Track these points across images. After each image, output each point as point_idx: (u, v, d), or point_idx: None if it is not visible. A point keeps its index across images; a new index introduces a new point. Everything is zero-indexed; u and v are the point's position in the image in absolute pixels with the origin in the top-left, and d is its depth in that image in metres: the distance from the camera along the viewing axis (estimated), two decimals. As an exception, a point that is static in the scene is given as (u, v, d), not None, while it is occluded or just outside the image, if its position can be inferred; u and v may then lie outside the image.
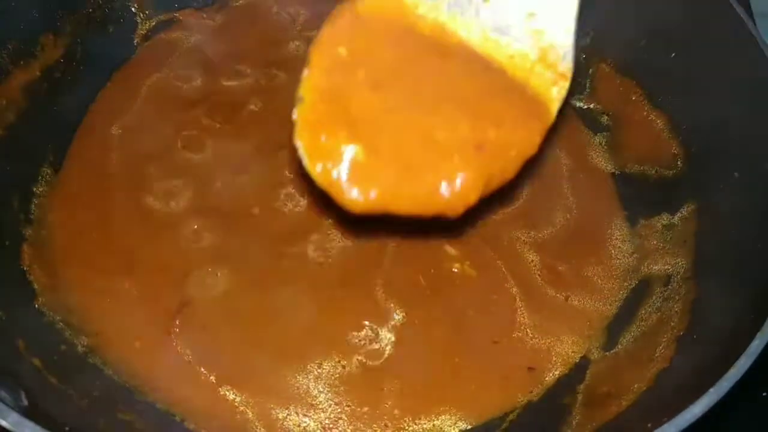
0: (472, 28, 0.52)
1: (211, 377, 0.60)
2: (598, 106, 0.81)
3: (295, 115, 0.48)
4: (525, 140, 0.49)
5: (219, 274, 0.65)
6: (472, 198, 0.48)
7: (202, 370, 0.60)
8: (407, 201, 0.47)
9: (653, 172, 0.74)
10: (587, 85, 0.81)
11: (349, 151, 0.46)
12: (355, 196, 0.46)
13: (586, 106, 0.81)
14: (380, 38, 0.50)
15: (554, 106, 0.51)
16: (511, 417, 0.61)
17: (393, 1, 0.51)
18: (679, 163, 0.72)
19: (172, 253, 0.66)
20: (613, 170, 0.77)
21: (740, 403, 0.49)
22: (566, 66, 0.51)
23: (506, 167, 0.49)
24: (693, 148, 0.71)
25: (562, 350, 0.65)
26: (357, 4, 0.51)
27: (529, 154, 0.49)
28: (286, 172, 0.71)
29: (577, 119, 0.81)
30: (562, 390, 0.63)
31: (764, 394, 0.71)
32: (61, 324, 0.61)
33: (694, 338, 0.58)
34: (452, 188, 0.47)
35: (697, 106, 0.70)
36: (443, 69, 0.50)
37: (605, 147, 0.79)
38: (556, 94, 0.51)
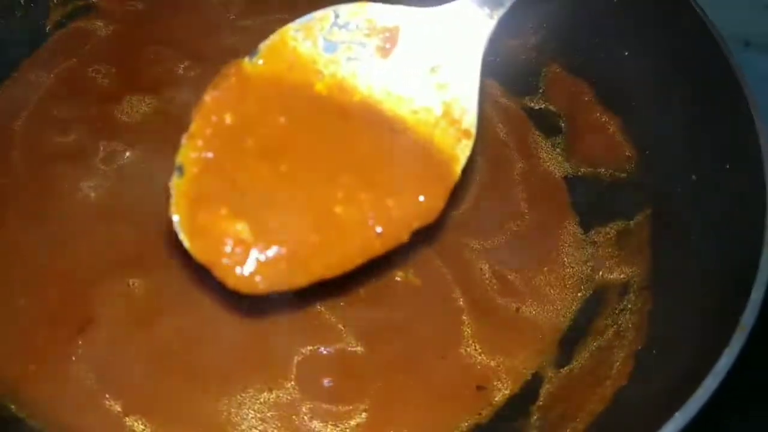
0: (373, 84, 0.50)
1: (117, 405, 0.54)
2: (550, 108, 0.77)
3: (172, 187, 0.44)
4: (426, 206, 0.47)
5: (130, 286, 0.58)
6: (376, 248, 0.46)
7: (107, 396, 0.54)
8: (300, 279, 0.45)
9: (607, 176, 0.71)
10: (539, 85, 0.78)
11: (233, 230, 0.43)
12: (238, 279, 0.43)
13: (538, 107, 0.77)
14: (272, 101, 0.47)
15: (458, 166, 0.49)
16: (458, 442, 0.56)
17: (287, 57, 0.48)
18: (633, 166, 0.68)
19: (77, 262, 0.59)
20: (565, 174, 0.73)
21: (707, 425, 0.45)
22: (470, 122, 0.50)
23: (404, 232, 0.47)
24: (648, 151, 0.68)
25: (513, 366, 0.60)
26: (245, 65, 0.48)
27: (431, 218, 0.48)
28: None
29: (528, 121, 0.77)
30: (513, 411, 0.58)
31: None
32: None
33: (653, 353, 0.55)
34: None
35: (652, 107, 0.67)
36: (342, 132, 0.48)
37: (558, 150, 0.75)
38: (459, 152, 0.49)
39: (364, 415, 0.56)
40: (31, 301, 0.57)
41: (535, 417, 0.56)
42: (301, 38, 0.49)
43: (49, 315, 0.56)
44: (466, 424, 0.57)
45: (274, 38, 0.48)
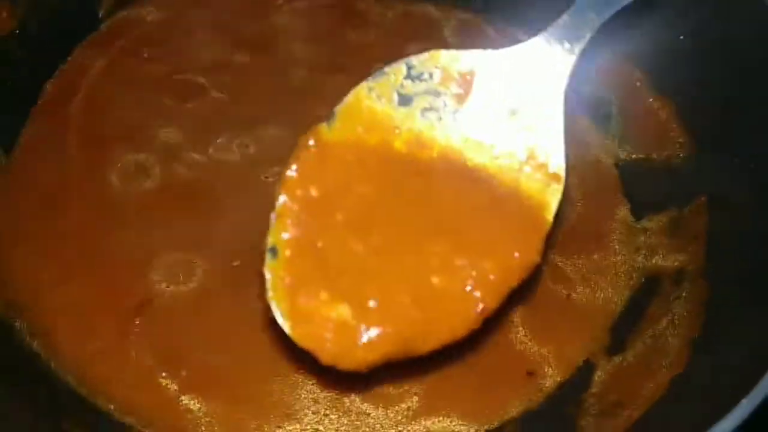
0: (451, 134, 0.48)
1: (174, 384, 0.54)
2: (601, 94, 0.75)
3: (267, 270, 0.43)
4: (522, 262, 0.46)
5: (188, 267, 0.59)
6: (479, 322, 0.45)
7: (164, 375, 0.54)
8: (403, 353, 0.44)
9: (660, 162, 0.69)
10: (590, 71, 0.76)
11: (335, 315, 0.42)
12: (347, 363, 0.43)
13: (588, 93, 0.76)
14: (354, 168, 0.46)
15: (549, 213, 0.47)
16: (508, 428, 0.56)
17: (363, 118, 0.47)
18: (687, 152, 0.67)
19: (135, 244, 0.60)
20: (617, 161, 0.72)
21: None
22: (558, 165, 0.47)
23: (509, 284, 0.46)
24: (702, 137, 0.66)
25: (564, 353, 0.60)
26: (323, 131, 0.46)
27: (527, 274, 0.46)
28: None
29: (580, 107, 0.75)
30: (564, 398, 0.57)
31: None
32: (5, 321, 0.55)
33: (710, 342, 0.53)
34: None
35: (706, 92, 0.66)
36: (426, 191, 0.46)
37: (609, 137, 0.74)
38: (550, 197, 0.47)
39: (415, 399, 0.56)
40: (89, 282, 0.58)
41: (588, 404, 0.56)
42: (376, 96, 0.47)
43: (108, 295, 0.57)
44: (517, 410, 0.57)
45: (348, 99, 0.47)
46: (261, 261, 0.44)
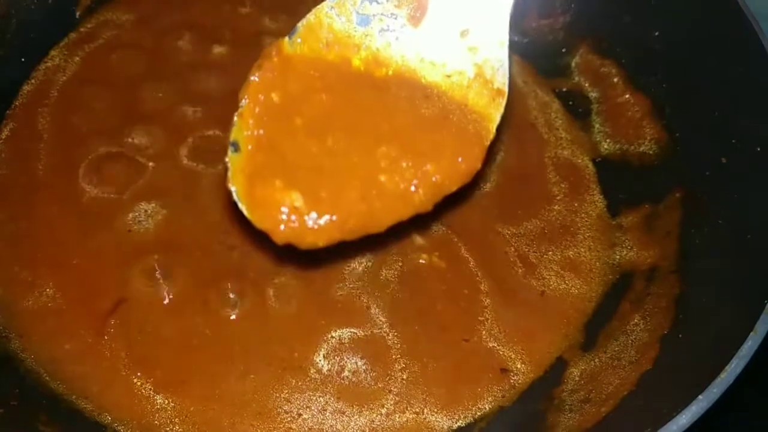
0: (406, 54, 0.51)
1: (147, 384, 0.55)
2: (579, 89, 0.76)
3: (229, 161, 0.46)
4: (465, 168, 0.49)
5: (162, 267, 0.59)
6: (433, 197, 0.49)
7: (138, 374, 0.55)
8: (346, 237, 0.47)
9: (636, 158, 0.70)
10: (568, 67, 0.76)
11: (288, 200, 0.46)
12: (299, 243, 0.46)
13: (566, 89, 0.76)
14: (313, 79, 0.50)
15: (493, 124, 0.51)
16: (480, 425, 0.56)
17: (323, 35, 0.50)
18: (663, 149, 0.67)
19: (109, 244, 0.60)
20: (593, 157, 0.72)
21: (730, 407, 0.44)
22: (502, 81, 0.51)
23: (449, 188, 0.50)
24: (677, 133, 0.67)
25: (537, 350, 0.60)
26: (285, 45, 0.49)
27: (469, 179, 0.50)
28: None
29: (558, 103, 0.75)
30: (536, 394, 0.58)
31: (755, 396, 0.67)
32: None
33: (679, 338, 0.54)
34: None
35: (681, 88, 0.66)
36: (380, 104, 0.50)
37: (586, 132, 0.74)
38: (494, 111, 0.51)
39: (389, 396, 0.57)
40: (66, 281, 0.58)
41: (559, 400, 0.56)
42: (336, 15, 0.50)
43: (83, 295, 0.57)
44: (489, 406, 0.57)
45: (309, 17, 0.50)
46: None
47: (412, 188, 0.48)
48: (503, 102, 0.51)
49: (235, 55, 0.71)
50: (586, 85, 0.75)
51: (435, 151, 0.49)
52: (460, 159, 0.49)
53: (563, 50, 0.76)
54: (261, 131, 0.47)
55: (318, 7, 0.50)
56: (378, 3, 0.50)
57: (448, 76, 0.51)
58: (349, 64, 0.51)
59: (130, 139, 0.65)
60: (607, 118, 0.73)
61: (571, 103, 0.75)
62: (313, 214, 0.45)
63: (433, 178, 0.48)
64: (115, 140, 0.65)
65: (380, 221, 0.48)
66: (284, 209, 0.45)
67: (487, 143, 0.50)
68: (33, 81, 0.69)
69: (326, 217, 0.46)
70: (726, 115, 0.61)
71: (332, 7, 0.50)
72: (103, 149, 0.65)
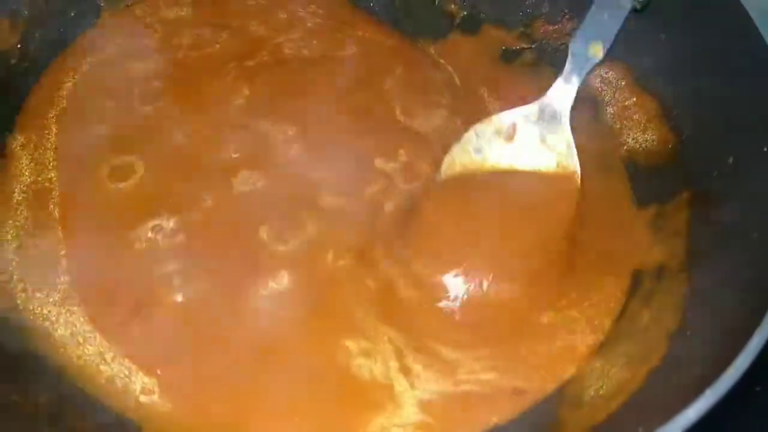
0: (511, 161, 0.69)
1: (159, 386, 0.56)
2: (586, 93, 0.76)
3: None
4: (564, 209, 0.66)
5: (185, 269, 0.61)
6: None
7: (159, 374, 0.56)
8: None
9: (643, 160, 0.71)
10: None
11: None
12: None
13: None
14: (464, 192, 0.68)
15: (576, 186, 0.67)
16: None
17: (456, 166, 0.69)
18: (669, 150, 0.68)
19: (128, 242, 0.62)
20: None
21: (738, 401, 0.45)
22: (574, 164, 0.67)
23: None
24: (684, 134, 0.68)
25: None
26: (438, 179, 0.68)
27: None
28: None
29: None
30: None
31: (758, 389, 0.68)
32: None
33: (687, 335, 0.55)
34: None
35: (688, 90, 0.67)
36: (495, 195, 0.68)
37: (593, 134, 0.75)
38: (576, 179, 0.67)
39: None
40: (85, 285, 0.60)
41: (567, 396, 0.57)
42: (459, 156, 0.69)
43: (107, 297, 0.59)
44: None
45: (447, 159, 0.68)
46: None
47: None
48: (579, 177, 0.66)
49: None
50: (594, 88, 0.76)
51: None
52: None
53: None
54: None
55: (449, 152, 0.68)
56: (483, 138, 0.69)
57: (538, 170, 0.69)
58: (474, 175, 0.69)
59: (145, 139, 0.68)
60: (615, 119, 0.74)
61: (579, 105, 0.76)
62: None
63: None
64: (133, 142, 0.67)
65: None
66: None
67: (577, 189, 0.66)
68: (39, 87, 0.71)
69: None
70: (732, 115, 0.62)
71: (456, 152, 0.69)
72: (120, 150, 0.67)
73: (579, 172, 0.67)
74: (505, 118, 0.69)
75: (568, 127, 0.68)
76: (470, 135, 0.69)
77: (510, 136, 0.69)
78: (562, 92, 0.68)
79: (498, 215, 0.65)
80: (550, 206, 0.66)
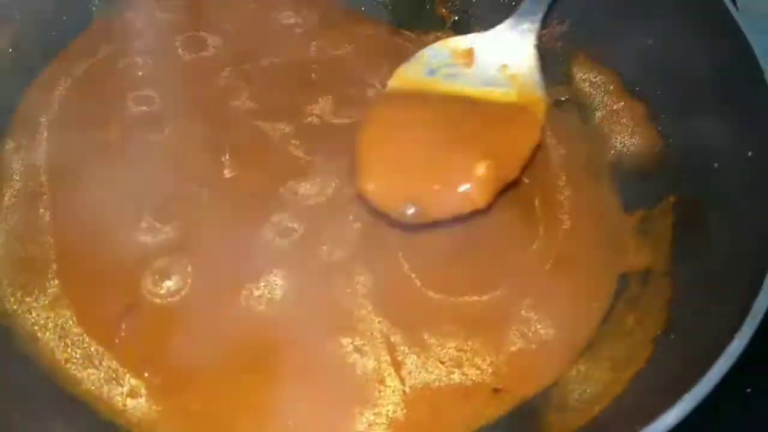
0: (465, 87, 0.67)
1: (159, 386, 0.57)
2: (575, 97, 0.77)
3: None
4: (526, 138, 0.64)
5: (176, 271, 0.61)
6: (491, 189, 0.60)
7: (146, 376, 0.57)
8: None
9: (630, 164, 0.71)
10: (565, 75, 0.78)
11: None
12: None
13: (564, 98, 0.78)
14: (408, 105, 0.66)
15: (541, 115, 0.66)
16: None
17: (405, 83, 0.68)
18: (656, 154, 0.69)
19: (122, 245, 0.62)
20: (590, 163, 0.74)
21: (729, 402, 0.46)
22: (540, 93, 0.67)
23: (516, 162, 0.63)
24: (671, 139, 0.68)
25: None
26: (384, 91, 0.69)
27: (533, 144, 0.64)
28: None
29: (555, 110, 0.77)
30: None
31: (748, 390, 0.68)
32: None
33: (671, 339, 0.55)
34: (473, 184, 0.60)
35: (675, 95, 0.68)
36: (454, 109, 0.66)
37: (582, 138, 0.75)
38: (539, 110, 0.67)
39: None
40: (75, 287, 0.60)
41: (552, 399, 0.58)
42: (412, 70, 0.68)
43: (94, 298, 0.60)
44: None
45: (397, 72, 0.68)
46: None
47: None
48: (544, 106, 0.66)
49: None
50: (583, 93, 0.77)
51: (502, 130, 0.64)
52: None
53: (560, 59, 0.78)
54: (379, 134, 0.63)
55: (401, 67, 0.68)
56: (438, 59, 0.68)
57: (500, 96, 0.67)
58: (428, 95, 0.67)
59: (138, 142, 0.68)
60: (603, 124, 0.75)
61: (568, 110, 0.77)
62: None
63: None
64: (124, 145, 0.68)
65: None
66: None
67: (540, 122, 0.65)
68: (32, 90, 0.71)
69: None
70: (718, 120, 0.63)
71: (408, 66, 0.68)
72: (110, 154, 0.67)
73: (546, 100, 0.66)
74: (462, 41, 0.68)
75: (534, 52, 0.67)
76: (424, 54, 0.68)
77: (468, 62, 0.68)
78: (529, 14, 0.67)
79: (443, 139, 0.63)
80: (510, 135, 0.64)
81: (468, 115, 0.65)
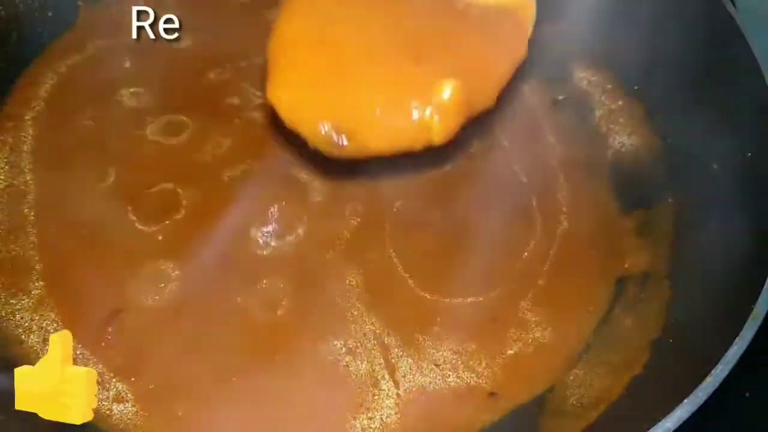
0: None
1: (143, 391, 0.55)
2: (573, 96, 0.76)
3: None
4: (509, 52, 0.51)
5: (161, 275, 0.60)
6: (455, 121, 0.47)
7: (132, 380, 0.56)
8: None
9: (629, 165, 0.70)
10: (562, 75, 0.77)
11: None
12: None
13: (562, 97, 0.77)
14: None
15: (529, 23, 0.54)
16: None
17: None
18: (655, 155, 0.68)
19: (108, 250, 0.61)
20: (587, 163, 0.73)
21: (727, 407, 0.45)
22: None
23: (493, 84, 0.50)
24: (669, 139, 0.68)
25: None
26: None
27: (518, 60, 0.51)
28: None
29: (554, 110, 0.76)
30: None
31: (747, 395, 0.67)
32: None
33: (669, 342, 0.55)
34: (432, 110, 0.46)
35: (674, 95, 0.67)
36: (414, 4, 0.51)
37: (580, 138, 0.74)
38: (527, 16, 0.54)
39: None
40: (61, 291, 0.59)
41: (548, 404, 0.57)
42: None
43: (81, 303, 0.58)
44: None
45: None
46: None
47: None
48: (533, 10, 0.54)
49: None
50: (581, 92, 0.76)
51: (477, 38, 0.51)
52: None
53: (559, 58, 0.77)
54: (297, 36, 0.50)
55: None
56: None
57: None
58: None
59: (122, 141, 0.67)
60: (600, 123, 0.74)
61: (566, 110, 0.76)
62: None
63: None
64: (107, 144, 0.67)
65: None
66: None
67: (528, 35, 0.53)
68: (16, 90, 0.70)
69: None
70: (717, 121, 0.62)
71: None
72: (98, 153, 0.66)
73: (534, 5, 0.54)
74: None
75: None
76: None
77: None
78: None
79: (395, 43, 0.49)
80: (488, 48, 0.51)
81: (433, 16, 0.50)
